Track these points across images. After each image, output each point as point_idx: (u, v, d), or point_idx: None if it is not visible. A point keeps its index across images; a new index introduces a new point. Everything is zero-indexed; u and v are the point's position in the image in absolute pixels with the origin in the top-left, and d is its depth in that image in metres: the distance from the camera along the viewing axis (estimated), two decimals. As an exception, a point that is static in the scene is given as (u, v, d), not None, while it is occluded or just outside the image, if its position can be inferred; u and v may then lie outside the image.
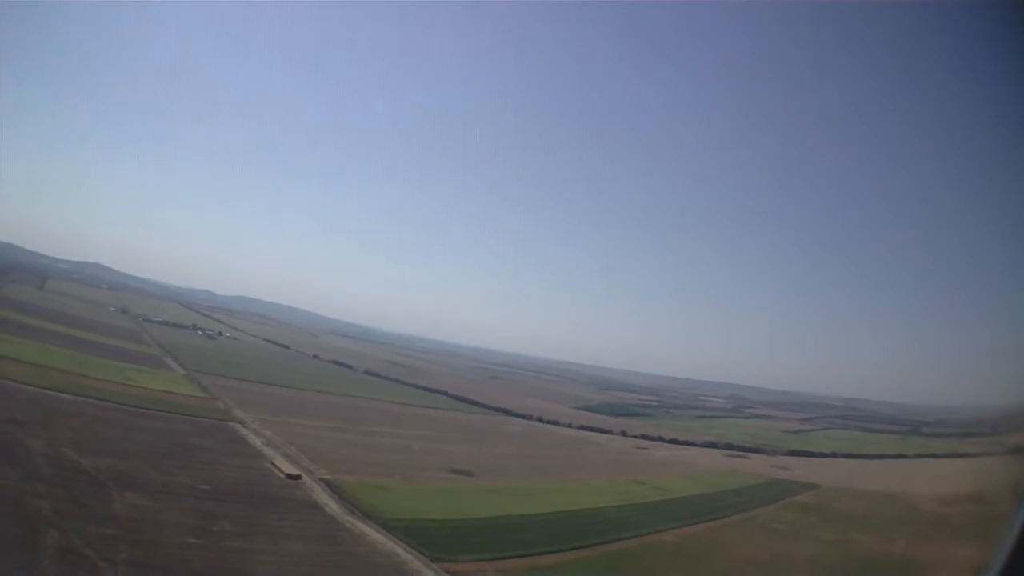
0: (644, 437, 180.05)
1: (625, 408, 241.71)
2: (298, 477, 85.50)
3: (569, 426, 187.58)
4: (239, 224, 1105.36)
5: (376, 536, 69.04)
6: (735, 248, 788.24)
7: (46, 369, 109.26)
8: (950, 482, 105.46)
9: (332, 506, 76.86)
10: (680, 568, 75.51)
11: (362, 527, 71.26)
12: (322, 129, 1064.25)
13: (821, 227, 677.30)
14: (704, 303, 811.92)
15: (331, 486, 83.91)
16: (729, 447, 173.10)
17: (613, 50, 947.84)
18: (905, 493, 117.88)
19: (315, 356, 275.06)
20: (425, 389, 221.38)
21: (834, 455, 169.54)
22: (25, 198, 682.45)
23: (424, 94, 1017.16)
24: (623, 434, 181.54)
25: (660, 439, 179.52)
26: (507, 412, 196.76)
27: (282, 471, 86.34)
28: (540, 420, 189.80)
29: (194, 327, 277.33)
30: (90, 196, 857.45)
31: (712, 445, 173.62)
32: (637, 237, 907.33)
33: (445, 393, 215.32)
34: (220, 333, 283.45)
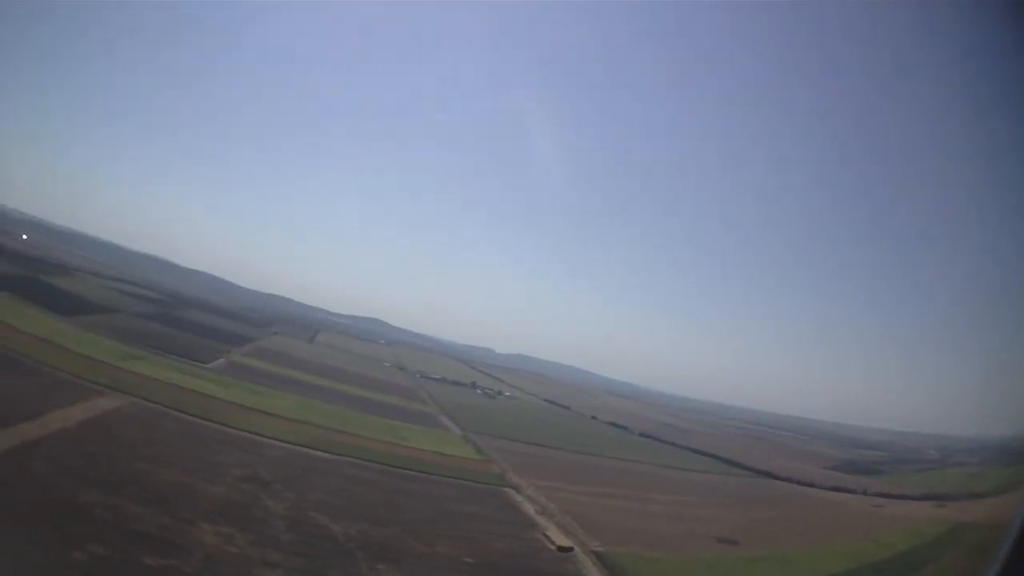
0: (879, 495, 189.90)
1: (865, 466, 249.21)
2: (570, 549, 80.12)
3: (821, 487, 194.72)
4: (517, 284, 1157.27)
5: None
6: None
7: (303, 424, 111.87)
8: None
9: (602, 582, 71.21)
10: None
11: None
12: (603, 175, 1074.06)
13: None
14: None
15: (602, 559, 78.11)
16: (936, 497, 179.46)
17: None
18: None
19: (593, 417, 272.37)
20: (696, 452, 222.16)
21: (984, 496, 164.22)
22: (299, 254, 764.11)
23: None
24: (864, 493, 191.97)
25: (890, 495, 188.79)
26: (769, 475, 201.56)
27: (554, 543, 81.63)
28: (798, 483, 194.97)
29: (473, 385, 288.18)
30: (369, 255, 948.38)
31: (926, 497, 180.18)
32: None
33: (716, 456, 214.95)
34: (499, 392, 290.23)
